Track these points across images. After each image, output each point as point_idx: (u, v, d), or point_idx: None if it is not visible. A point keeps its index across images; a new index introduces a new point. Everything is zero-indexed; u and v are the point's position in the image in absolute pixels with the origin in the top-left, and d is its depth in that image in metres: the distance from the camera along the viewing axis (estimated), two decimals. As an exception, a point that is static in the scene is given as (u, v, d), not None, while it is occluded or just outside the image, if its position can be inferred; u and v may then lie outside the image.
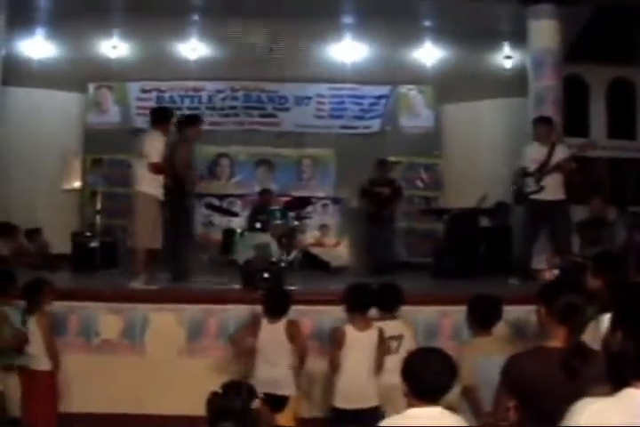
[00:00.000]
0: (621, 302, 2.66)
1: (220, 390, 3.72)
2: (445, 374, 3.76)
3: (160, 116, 9.84)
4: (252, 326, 6.99)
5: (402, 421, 3.76)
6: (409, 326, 6.98)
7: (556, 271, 9.27)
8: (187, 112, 15.26)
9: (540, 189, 10.01)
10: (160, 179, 9.39)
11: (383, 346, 6.43)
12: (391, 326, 6.65)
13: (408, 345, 6.37)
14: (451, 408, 3.93)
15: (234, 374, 7.06)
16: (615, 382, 2.51)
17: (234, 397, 3.67)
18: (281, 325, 6.79)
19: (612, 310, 2.76)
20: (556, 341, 3.84)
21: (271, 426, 4.56)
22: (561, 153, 10.09)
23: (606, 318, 3.83)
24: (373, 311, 6.79)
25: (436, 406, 3.73)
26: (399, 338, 6.62)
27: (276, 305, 6.87)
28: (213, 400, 3.70)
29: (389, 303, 6.85)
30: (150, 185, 9.29)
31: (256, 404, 3.68)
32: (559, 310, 3.87)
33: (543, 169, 10.05)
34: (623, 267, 5.44)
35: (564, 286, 4.30)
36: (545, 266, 10.34)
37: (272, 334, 6.75)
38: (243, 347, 7.13)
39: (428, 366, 3.76)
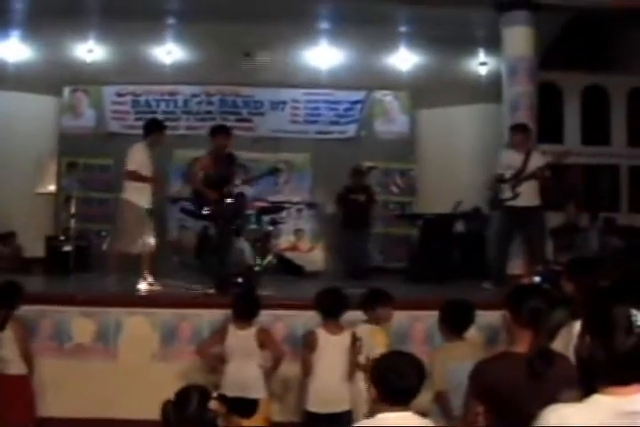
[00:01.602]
0: (589, 307, 2.67)
1: (172, 399, 3.67)
2: (413, 377, 3.79)
3: (146, 128, 10.05)
4: (220, 332, 6.96)
5: (372, 425, 3.77)
6: (380, 330, 6.97)
7: (537, 278, 9.31)
8: (160, 116, 15.27)
9: (516, 195, 10.03)
10: (144, 187, 9.71)
11: (356, 350, 6.43)
12: (359, 330, 6.64)
13: (376, 349, 6.36)
14: (422, 413, 3.95)
15: (206, 379, 7.06)
16: (586, 387, 2.53)
17: (188, 403, 3.62)
18: (251, 332, 6.75)
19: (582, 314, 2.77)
20: (522, 346, 3.84)
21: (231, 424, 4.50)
22: (537, 160, 10.10)
23: (578, 324, 3.86)
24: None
25: (407, 410, 3.75)
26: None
27: (245, 309, 6.85)
28: (167, 409, 3.63)
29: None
30: (132, 193, 9.66)
31: (212, 404, 3.64)
32: (524, 315, 3.88)
33: (519, 176, 10.07)
34: (596, 272, 5.46)
35: (529, 291, 4.31)
36: (523, 272, 10.39)
37: (241, 340, 6.72)
38: (210, 356, 7.11)
39: (396, 369, 3.79)
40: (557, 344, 4.20)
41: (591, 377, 2.50)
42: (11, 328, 7.02)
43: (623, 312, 2.45)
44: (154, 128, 10.06)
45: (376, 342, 6.64)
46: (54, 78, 15.44)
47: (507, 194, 10.12)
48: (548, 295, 4.17)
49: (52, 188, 16.29)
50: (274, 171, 12.68)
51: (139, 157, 9.68)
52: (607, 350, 2.43)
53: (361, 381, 6.25)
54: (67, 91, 16.49)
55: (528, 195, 10.08)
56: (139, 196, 9.64)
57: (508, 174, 10.14)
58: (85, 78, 15.57)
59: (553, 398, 2.74)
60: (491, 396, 3.80)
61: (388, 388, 3.79)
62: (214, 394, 3.71)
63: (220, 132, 10.47)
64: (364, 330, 6.64)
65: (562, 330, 4.42)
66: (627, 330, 2.42)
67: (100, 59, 14.37)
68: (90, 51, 14.06)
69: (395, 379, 3.76)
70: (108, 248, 10.07)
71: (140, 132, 9.97)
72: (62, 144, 16.25)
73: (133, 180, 9.60)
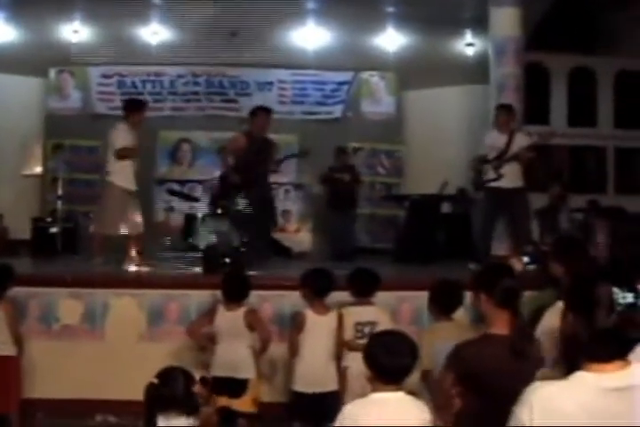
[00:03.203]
0: (572, 285, 2.69)
1: (156, 381, 3.64)
2: (405, 356, 3.80)
3: (126, 108, 9.93)
4: (209, 314, 6.96)
5: (364, 405, 3.80)
6: (385, 312, 6.98)
7: (525, 259, 9.35)
8: (148, 97, 15.18)
9: (499, 176, 10.02)
10: (127, 170, 9.61)
11: (342, 330, 6.47)
12: (366, 312, 6.67)
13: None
14: (412, 393, 3.97)
15: (194, 360, 7.09)
16: (569, 365, 2.55)
17: (175, 384, 3.60)
18: (240, 312, 6.74)
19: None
20: (499, 327, 3.87)
21: (210, 408, 4.50)
22: (520, 141, 10.09)
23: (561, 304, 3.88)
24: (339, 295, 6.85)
25: (399, 390, 3.78)
26: (372, 324, 6.55)
27: (235, 290, 6.84)
28: (153, 391, 3.60)
29: (365, 288, 6.86)
30: (116, 176, 9.59)
31: (197, 388, 3.64)
32: (499, 294, 3.90)
33: (502, 157, 10.07)
34: (582, 251, 5.47)
35: (502, 270, 4.32)
36: (509, 253, 10.41)
37: (230, 321, 6.72)
38: (200, 336, 7.12)
39: (388, 348, 3.81)
40: (544, 324, 4.23)
41: (575, 355, 2.53)
42: (2, 309, 7.03)
43: (605, 290, 2.47)
44: (134, 108, 9.94)
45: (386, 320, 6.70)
46: (40, 59, 15.32)
47: (490, 175, 10.13)
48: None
49: (38, 169, 16.23)
50: (302, 153, 12.57)
51: (123, 137, 9.56)
52: (590, 328, 2.46)
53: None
54: (52, 72, 16.40)
55: (512, 176, 10.07)
56: (123, 178, 9.58)
57: (491, 155, 10.15)
58: (71, 59, 15.45)
59: (534, 378, 2.77)
60: (472, 378, 3.82)
61: (380, 367, 3.81)
62: (197, 377, 3.72)
63: (261, 112, 10.28)
64: (376, 311, 6.71)
65: (547, 310, 4.44)
66: (609, 308, 2.45)
67: (86, 40, 14.25)
68: (75, 31, 13.94)
69: (387, 358, 3.78)
70: (92, 230, 10.05)
71: (127, 113, 9.88)
72: (48, 126, 16.19)
73: (123, 158, 9.49)
